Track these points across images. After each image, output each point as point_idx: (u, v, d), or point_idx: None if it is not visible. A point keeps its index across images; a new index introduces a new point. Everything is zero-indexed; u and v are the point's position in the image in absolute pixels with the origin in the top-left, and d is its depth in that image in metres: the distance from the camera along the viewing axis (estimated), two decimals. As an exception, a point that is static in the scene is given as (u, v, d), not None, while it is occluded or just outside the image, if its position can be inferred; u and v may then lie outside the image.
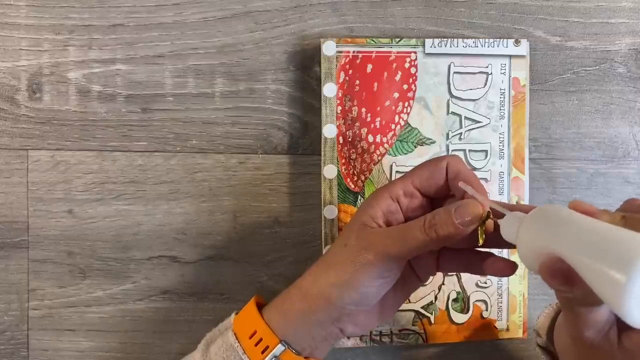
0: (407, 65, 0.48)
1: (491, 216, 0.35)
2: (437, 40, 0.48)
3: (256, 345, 0.39)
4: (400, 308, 0.48)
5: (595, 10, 0.50)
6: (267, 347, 0.38)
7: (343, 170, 0.48)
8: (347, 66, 0.48)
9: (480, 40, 0.48)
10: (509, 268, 0.38)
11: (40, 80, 0.49)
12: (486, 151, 0.49)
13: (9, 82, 0.49)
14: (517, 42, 0.48)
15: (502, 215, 0.35)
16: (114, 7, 0.49)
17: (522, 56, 0.49)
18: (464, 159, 0.49)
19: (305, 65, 0.49)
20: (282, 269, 0.50)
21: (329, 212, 0.48)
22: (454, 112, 0.49)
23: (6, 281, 0.50)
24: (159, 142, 0.50)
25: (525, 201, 0.49)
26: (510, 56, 0.49)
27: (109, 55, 0.49)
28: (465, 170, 0.38)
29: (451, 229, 0.35)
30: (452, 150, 0.49)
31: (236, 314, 0.41)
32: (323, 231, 0.48)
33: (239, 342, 0.39)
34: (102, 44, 0.49)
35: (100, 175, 0.50)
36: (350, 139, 0.48)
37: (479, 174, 0.49)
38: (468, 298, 0.49)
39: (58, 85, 0.49)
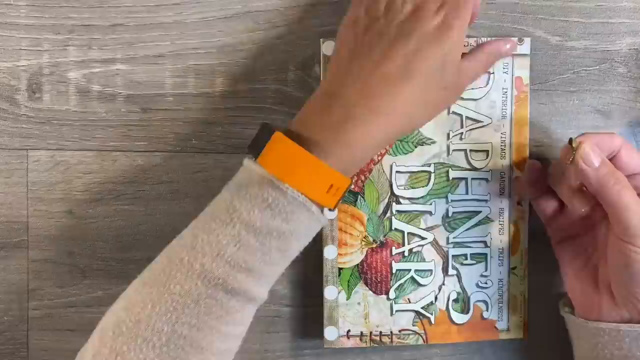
0: None
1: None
2: None
3: (331, 194, 0.38)
4: (401, 308, 0.49)
5: (595, 10, 0.50)
6: (338, 189, 0.38)
7: None
8: None
9: (482, 39, 0.48)
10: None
11: (40, 80, 0.49)
12: (487, 151, 0.49)
13: (9, 82, 0.49)
14: (520, 41, 0.48)
15: None
16: (114, 7, 0.49)
17: (526, 55, 0.49)
18: (464, 159, 0.49)
19: (305, 65, 0.49)
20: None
21: (330, 212, 0.48)
22: (455, 112, 0.48)
23: (6, 281, 0.50)
24: (159, 142, 0.50)
25: (526, 203, 0.49)
26: (512, 55, 0.48)
27: (109, 55, 0.49)
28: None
29: None
30: (453, 150, 0.49)
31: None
32: (323, 231, 0.48)
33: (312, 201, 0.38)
34: (102, 44, 0.49)
35: (100, 175, 0.50)
36: None
37: (479, 174, 0.49)
38: (468, 298, 0.49)
39: (58, 85, 0.49)
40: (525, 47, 0.48)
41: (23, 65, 0.49)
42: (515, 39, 0.48)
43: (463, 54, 0.43)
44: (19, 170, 0.50)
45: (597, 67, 0.50)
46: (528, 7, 0.50)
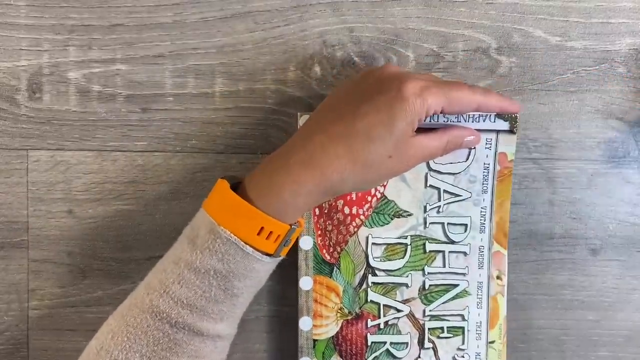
0: None
1: None
2: None
3: (267, 238, 0.40)
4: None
5: (595, 10, 0.50)
6: (278, 236, 0.41)
7: (319, 241, 0.48)
8: None
9: (464, 115, 0.45)
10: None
11: (40, 80, 0.49)
12: (466, 225, 0.48)
13: (9, 82, 0.49)
14: (506, 119, 0.46)
15: None
16: (114, 7, 0.49)
17: (513, 132, 0.46)
18: (442, 232, 0.48)
19: (305, 65, 0.49)
20: (280, 268, 0.50)
21: (305, 283, 0.48)
22: (432, 186, 0.47)
23: (6, 281, 0.50)
24: (159, 142, 0.50)
25: (506, 276, 0.48)
26: (497, 131, 0.46)
27: (109, 55, 0.49)
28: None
29: None
30: (430, 223, 0.48)
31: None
32: (299, 302, 0.48)
33: (247, 243, 0.40)
34: (102, 44, 0.49)
35: (100, 175, 0.50)
36: (326, 211, 0.47)
37: (457, 248, 0.48)
38: None
39: (58, 85, 0.49)
40: (509, 124, 0.46)
41: (23, 65, 0.49)
42: (499, 121, 0.45)
43: (424, 130, 0.42)
44: (19, 170, 0.50)
45: (597, 67, 0.50)
46: (528, 7, 0.50)
